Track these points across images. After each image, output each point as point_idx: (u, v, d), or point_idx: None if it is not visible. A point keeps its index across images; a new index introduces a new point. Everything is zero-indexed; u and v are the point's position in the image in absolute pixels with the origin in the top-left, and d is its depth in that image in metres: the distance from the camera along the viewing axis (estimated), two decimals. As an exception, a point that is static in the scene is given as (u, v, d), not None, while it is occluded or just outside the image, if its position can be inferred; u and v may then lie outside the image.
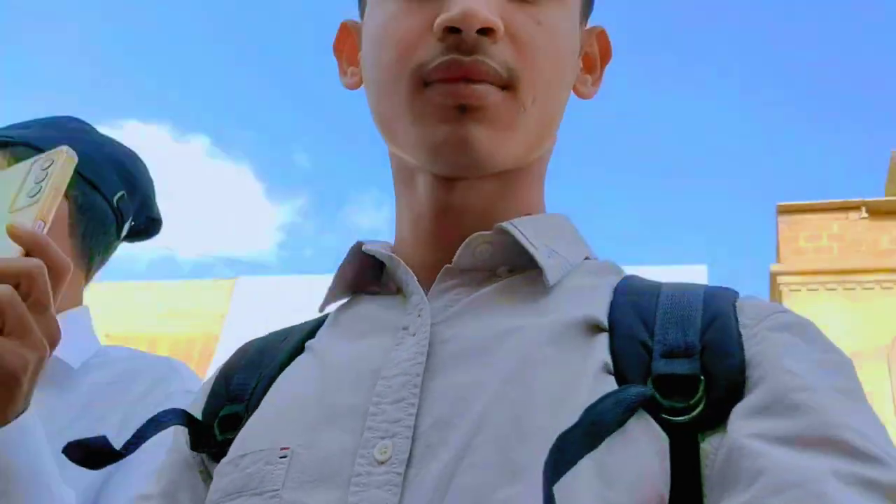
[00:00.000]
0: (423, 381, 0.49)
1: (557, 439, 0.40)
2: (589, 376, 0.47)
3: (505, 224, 0.55)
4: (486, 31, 0.51)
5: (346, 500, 0.45)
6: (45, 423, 0.69)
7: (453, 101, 0.52)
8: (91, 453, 0.56)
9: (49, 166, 0.65)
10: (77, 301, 1.01)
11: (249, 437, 0.53)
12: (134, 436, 0.58)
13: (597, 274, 0.57)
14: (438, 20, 0.51)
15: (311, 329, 0.63)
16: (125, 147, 1.09)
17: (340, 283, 0.62)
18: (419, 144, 0.55)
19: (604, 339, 0.49)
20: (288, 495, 0.47)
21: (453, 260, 0.55)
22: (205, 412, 0.60)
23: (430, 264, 0.57)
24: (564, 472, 0.40)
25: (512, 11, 0.54)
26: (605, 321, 0.50)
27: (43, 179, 0.63)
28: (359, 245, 0.61)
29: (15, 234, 0.56)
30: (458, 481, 0.44)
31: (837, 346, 0.50)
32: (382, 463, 0.46)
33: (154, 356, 1.01)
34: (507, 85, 0.53)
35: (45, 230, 0.60)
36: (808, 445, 0.41)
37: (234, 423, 0.57)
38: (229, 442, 0.55)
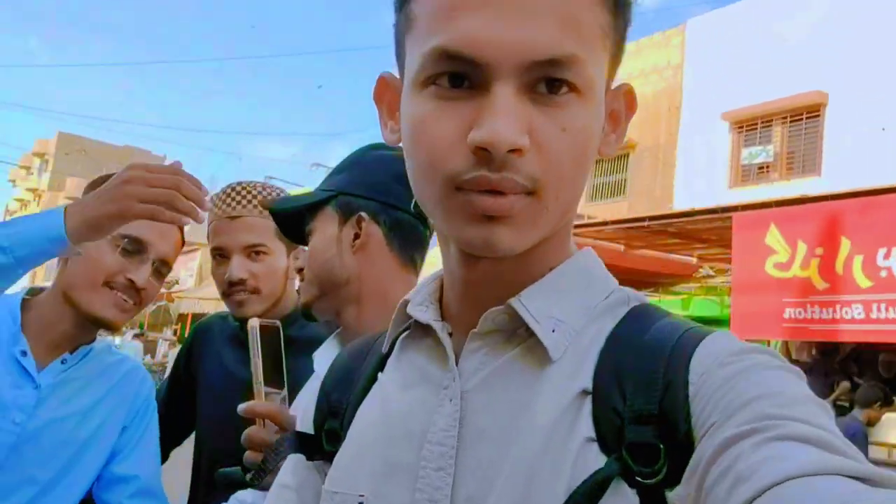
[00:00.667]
0: (457, 451, 0.62)
1: None
2: (575, 448, 0.58)
3: (513, 301, 0.65)
4: (513, 150, 0.57)
5: None
6: None
7: (482, 211, 0.59)
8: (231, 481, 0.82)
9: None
10: (389, 286, 1.19)
11: (336, 477, 0.70)
12: (259, 468, 0.82)
13: (600, 319, 0.66)
14: (471, 137, 0.57)
15: (382, 359, 0.76)
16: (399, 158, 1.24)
17: (393, 332, 0.75)
18: (450, 235, 0.64)
19: (588, 405, 0.60)
20: None
21: (477, 327, 0.66)
22: (315, 423, 0.78)
23: (466, 321, 0.68)
24: None
25: (538, 119, 0.58)
26: (590, 385, 0.61)
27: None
28: (405, 304, 0.73)
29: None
30: None
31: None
32: None
33: None
34: (532, 192, 0.59)
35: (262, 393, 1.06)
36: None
37: (335, 437, 0.74)
38: (335, 452, 0.72)
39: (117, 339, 14.96)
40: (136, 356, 14.40)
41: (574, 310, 0.65)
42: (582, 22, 0.59)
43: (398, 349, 0.75)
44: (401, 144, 0.67)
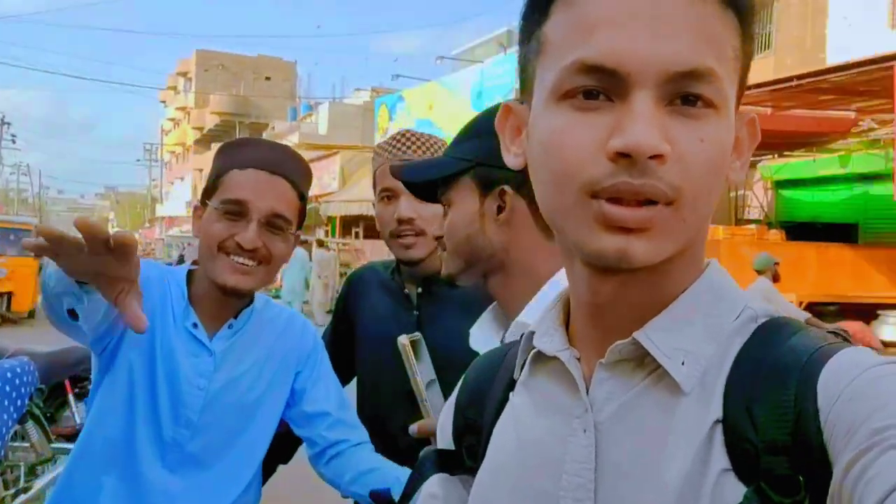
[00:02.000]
0: (595, 484, 0.64)
1: None
2: (712, 480, 0.58)
3: (638, 335, 0.64)
4: (656, 157, 0.57)
5: None
6: None
7: (619, 221, 0.58)
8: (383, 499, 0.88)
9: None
10: (541, 262, 1.20)
11: (478, 495, 0.74)
12: (406, 489, 0.86)
13: (729, 341, 0.64)
14: (612, 143, 0.57)
15: (512, 381, 0.78)
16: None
17: (522, 358, 0.76)
18: (583, 245, 0.62)
19: (720, 434, 0.59)
20: None
21: (604, 358, 0.66)
22: (454, 438, 0.82)
23: (595, 345, 0.68)
24: None
25: (677, 129, 0.58)
26: (721, 414, 0.60)
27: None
28: (531, 335, 0.74)
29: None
30: None
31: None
32: None
33: None
34: (671, 202, 0.59)
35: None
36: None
37: (474, 454, 0.78)
38: (476, 467, 0.77)
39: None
40: (301, 263, 15.04)
41: (703, 338, 0.64)
42: (718, 39, 0.60)
43: (527, 372, 0.75)
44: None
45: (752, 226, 11.37)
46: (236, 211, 1.43)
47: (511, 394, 0.76)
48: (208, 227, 1.45)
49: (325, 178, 23.10)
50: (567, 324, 0.73)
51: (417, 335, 1.21)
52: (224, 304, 1.51)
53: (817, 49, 11.84)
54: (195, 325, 1.50)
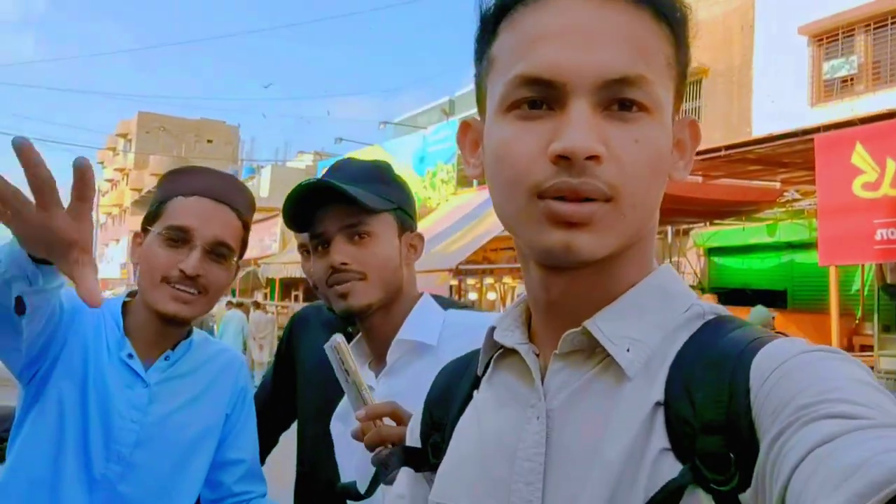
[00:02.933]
0: (545, 467, 0.67)
1: None
2: (651, 459, 0.62)
3: (588, 323, 0.68)
4: (592, 157, 0.62)
5: None
6: (421, 386, 1.06)
7: (562, 217, 0.63)
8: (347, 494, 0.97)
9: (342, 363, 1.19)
10: (414, 292, 1.41)
11: (439, 488, 0.78)
12: (371, 482, 0.94)
13: (675, 335, 0.68)
14: (552, 148, 0.62)
15: (477, 379, 0.82)
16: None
17: (485, 356, 0.81)
18: (532, 244, 0.67)
19: (661, 415, 0.63)
20: None
21: (557, 348, 0.70)
22: (421, 437, 0.86)
23: (550, 340, 0.72)
24: None
25: (613, 132, 0.63)
26: (662, 397, 0.64)
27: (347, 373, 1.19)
28: (492, 330, 0.79)
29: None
30: None
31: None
32: None
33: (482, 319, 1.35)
34: (610, 198, 0.63)
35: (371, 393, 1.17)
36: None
37: (439, 451, 0.82)
38: (439, 464, 0.80)
39: (222, 311, 15.45)
40: (239, 325, 14.91)
41: (650, 328, 0.68)
42: (650, 49, 0.65)
43: (491, 369, 0.80)
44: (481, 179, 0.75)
45: (687, 291, 11.63)
46: (180, 237, 1.41)
47: (475, 391, 0.81)
48: (150, 255, 1.42)
49: (265, 241, 22.87)
50: (529, 324, 0.77)
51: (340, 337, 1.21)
52: (161, 334, 1.47)
53: (743, 124, 12.45)
54: (130, 356, 1.44)
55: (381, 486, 1.02)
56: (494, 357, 0.79)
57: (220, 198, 1.46)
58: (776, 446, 0.53)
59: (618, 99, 0.64)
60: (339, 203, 1.29)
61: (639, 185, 0.64)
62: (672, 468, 0.60)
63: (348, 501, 1.22)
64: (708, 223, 12.35)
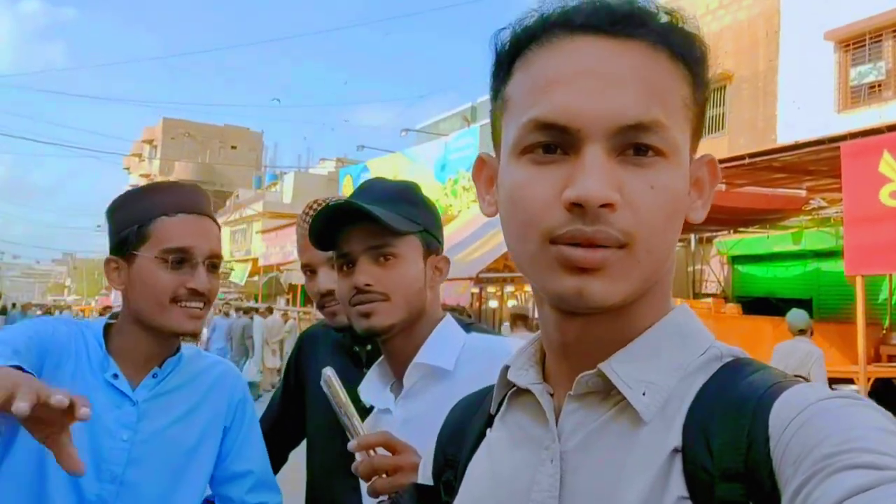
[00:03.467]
0: None
1: None
2: None
3: (603, 366, 0.67)
4: (606, 205, 0.61)
5: None
6: (437, 411, 1.09)
7: (575, 262, 0.62)
8: None
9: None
10: (438, 314, 1.40)
11: None
12: None
13: (692, 377, 0.67)
14: (565, 195, 0.62)
15: (490, 417, 0.81)
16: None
17: (499, 395, 0.79)
18: (545, 289, 0.67)
19: (678, 462, 0.61)
20: None
21: (572, 390, 0.69)
22: (434, 473, 0.86)
23: (565, 381, 0.71)
24: None
25: (628, 178, 0.63)
26: (680, 443, 0.62)
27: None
28: (506, 369, 0.78)
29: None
30: None
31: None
32: None
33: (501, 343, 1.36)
34: (624, 245, 0.63)
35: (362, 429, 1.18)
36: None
37: (451, 489, 0.81)
38: (450, 502, 0.79)
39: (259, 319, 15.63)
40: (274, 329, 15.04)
41: (666, 371, 0.67)
42: (665, 92, 0.64)
43: (504, 408, 0.79)
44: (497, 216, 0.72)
45: (709, 299, 11.54)
46: (182, 259, 1.43)
47: (488, 430, 0.80)
48: (151, 279, 1.43)
49: (287, 247, 23.00)
50: (543, 363, 0.76)
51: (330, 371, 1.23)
52: (151, 353, 1.48)
53: (768, 130, 12.32)
54: (115, 376, 1.45)
55: None
56: (508, 395, 0.78)
57: (202, 211, 1.50)
58: (799, 498, 0.52)
59: (633, 144, 0.63)
60: (365, 223, 1.29)
61: (654, 231, 0.63)
62: None
63: None
64: (732, 231, 12.22)
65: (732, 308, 10.87)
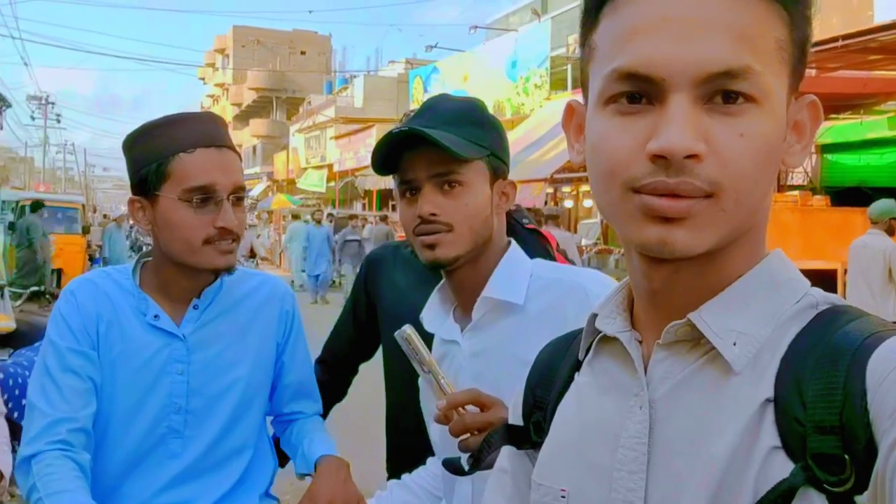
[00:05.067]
0: (648, 457, 0.68)
1: None
2: (760, 457, 0.61)
3: (692, 316, 0.66)
4: (691, 156, 0.60)
5: None
6: (507, 345, 1.18)
7: (658, 212, 0.62)
8: (454, 468, 1.00)
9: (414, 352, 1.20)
10: (503, 241, 1.38)
11: (541, 469, 0.80)
12: (474, 461, 0.96)
13: (786, 326, 0.66)
14: (649, 147, 0.61)
15: (578, 361, 0.82)
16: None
17: (586, 341, 0.80)
18: (628, 238, 0.67)
19: (771, 413, 0.62)
20: None
21: (661, 339, 0.69)
22: (524, 415, 0.88)
23: (654, 328, 0.71)
24: None
25: (715, 127, 0.61)
26: (772, 393, 0.62)
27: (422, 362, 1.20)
28: (593, 317, 0.78)
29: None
30: None
31: None
32: None
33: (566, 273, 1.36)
34: (711, 195, 0.62)
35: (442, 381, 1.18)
36: None
37: (541, 429, 0.83)
38: (541, 442, 0.81)
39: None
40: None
41: (758, 319, 0.66)
42: (756, 36, 0.62)
43: (592, 353, 0.79)
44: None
45: (795, 192, 11.12)
46: (205, 197, 1.41)
47: (577, 374, 0.81)
48: (179, 222, 1.42)
49: (361, 152, 23.16)
50: (631, 309, 0.76)
51: (409, 328, 1.21)
52: (189, 288, 1.51)
53: (864, 7, 11.44)
54: (156, 317, 1.48)
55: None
56: (596, 341, 0.79)
57: (220, 143, 1.45)
58: (895, 454, 0.52)
59: (721, 91, 0.61)
60: (429, 147, 1.24)
61: (743, 180, 0.62)
62: (783, 467, 0.59)
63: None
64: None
65: (820, 200, 10.47)
